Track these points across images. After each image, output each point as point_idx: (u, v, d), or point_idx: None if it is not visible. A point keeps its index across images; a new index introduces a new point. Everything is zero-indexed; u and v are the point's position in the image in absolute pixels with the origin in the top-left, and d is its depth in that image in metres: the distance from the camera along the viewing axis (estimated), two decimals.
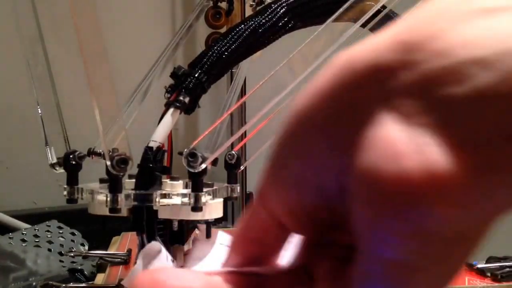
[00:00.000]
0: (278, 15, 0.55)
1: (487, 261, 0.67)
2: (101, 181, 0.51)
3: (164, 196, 0.49)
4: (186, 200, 0.49)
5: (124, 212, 0.48)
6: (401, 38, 0.19)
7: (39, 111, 0.54)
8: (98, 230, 0.83)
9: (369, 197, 0.19)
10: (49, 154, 0.53)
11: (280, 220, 0.24)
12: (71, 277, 0.64)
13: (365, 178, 0.19)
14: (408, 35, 0.19)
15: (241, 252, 0.26)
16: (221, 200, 0.52)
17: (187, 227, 0.53)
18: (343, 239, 0.23)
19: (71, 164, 0.50)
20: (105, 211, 0.47)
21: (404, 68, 0.19)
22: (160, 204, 0.49)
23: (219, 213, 0.52)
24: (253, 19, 0.55)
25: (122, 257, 0.63)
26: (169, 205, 0.49)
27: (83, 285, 0.60)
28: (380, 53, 0.20)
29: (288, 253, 0.26)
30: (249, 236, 0.26)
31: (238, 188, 0.55)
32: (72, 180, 0.50)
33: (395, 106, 0.19)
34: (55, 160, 0.52)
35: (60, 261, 0.70)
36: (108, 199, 0.46)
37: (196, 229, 0.54)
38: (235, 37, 0.54)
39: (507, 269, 0.65)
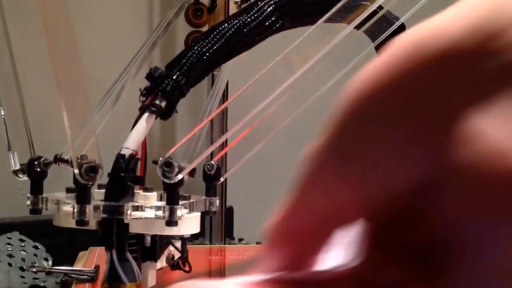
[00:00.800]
0: (265, 13, 0.54)
1: None
2: (68, 190, 0.51)
3: (136, 208, 0.48)
4: (160, 213, 0.48)
5: (92, 225, 0.48)
6: (482, 22, 0.18)
7: (2, 113, 0.53)
8: (64, 243, 0.83)
9: (482, 199, 0.18)
10: (12, 160, 0.52)
11: (343, 208, 0.22)
12: None
13: (468, 177, 0.18)
14: (490, 18, 0.18)
15: (279, 252, 0.23)
16: (199, 214, 0.51)
17: (161, 243, 0.53)
18: (404, 238, 0.21)
19: (35, 171, 0.50)
20: (72, 223, 0.47)
21: (486, 56, 0.18)
22: (132, 217, 0.48)
23: (196, 229, 0.51)
24: (238, 18, 0.54)
25: (89, 274, 0.61)
26: (141, 218, 0.48)
27: None
28: (455, 38, 0.18)
29: (330, 256, 0.23)
30: (290, 233, 0.23)
31: (217, 201, 0.55)
32: (36, 188, 0.50)
33: (480, 98, 0.18)
34: (18, 167, 0.52)
35: (21, 276, 0.68)
36: (75, 210, 0.46)
37: (170, 246, 0.54)
38: (218, 36, 0.53)
39: None
